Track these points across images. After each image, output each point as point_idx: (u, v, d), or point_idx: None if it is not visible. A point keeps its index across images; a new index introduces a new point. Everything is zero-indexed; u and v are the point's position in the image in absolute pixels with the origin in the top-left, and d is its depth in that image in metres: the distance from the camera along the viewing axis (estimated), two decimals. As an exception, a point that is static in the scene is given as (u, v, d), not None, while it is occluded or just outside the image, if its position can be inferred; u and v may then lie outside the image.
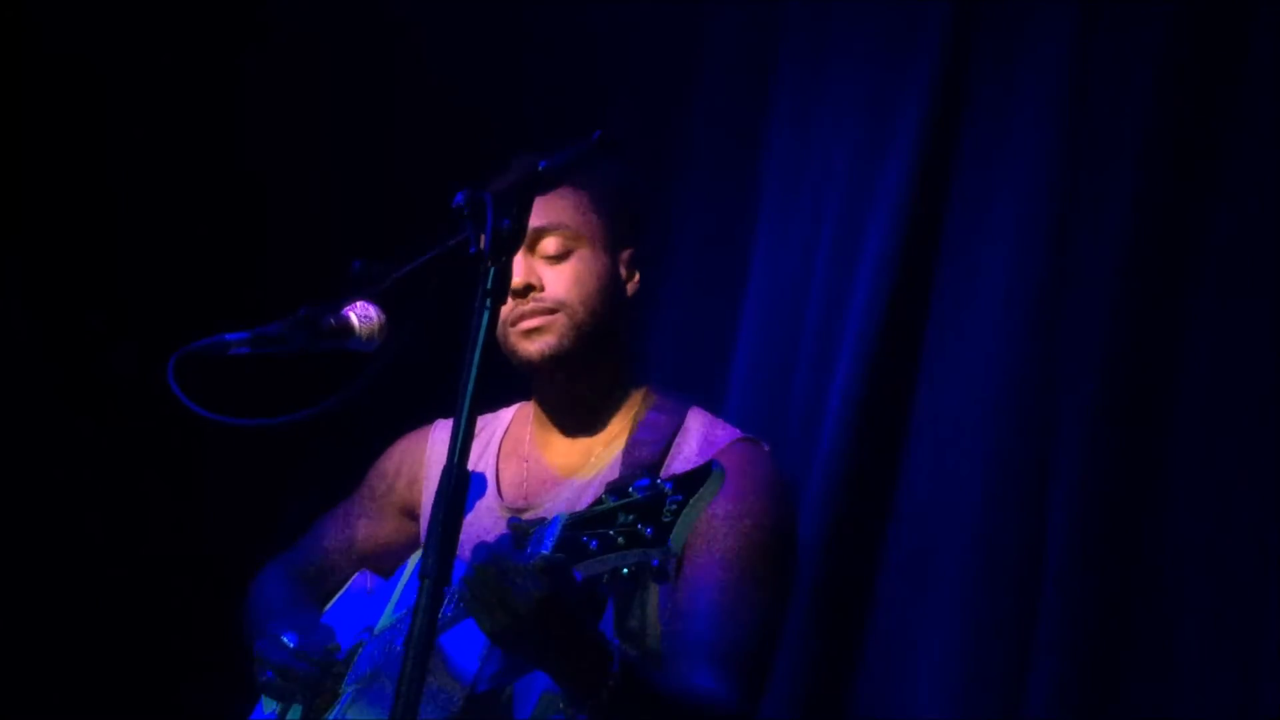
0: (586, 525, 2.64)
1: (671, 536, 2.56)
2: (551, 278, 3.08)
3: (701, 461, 2.92)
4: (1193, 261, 3.80)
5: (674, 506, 2.58)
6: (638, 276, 3.17)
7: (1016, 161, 4.00)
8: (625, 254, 3.15)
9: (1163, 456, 3.79)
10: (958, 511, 3.98)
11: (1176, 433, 3.79)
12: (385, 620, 3.15)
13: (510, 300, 3.05)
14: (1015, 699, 3.85)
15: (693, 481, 2.60)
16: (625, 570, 2.61)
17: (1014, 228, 3.99)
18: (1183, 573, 3.74)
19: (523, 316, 3.07)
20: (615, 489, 2.65)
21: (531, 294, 3.07)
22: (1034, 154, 3.97)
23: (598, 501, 2.65)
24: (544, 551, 2.64)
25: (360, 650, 3.12)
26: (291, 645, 3.12)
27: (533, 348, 3.06)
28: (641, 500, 2.61)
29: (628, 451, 3.07)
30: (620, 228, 3.15)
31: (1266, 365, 3.70)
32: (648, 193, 3.23)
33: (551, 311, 3.07)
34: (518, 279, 3.04)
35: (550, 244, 3.09)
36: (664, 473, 3.00)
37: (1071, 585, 3.80)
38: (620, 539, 2.59)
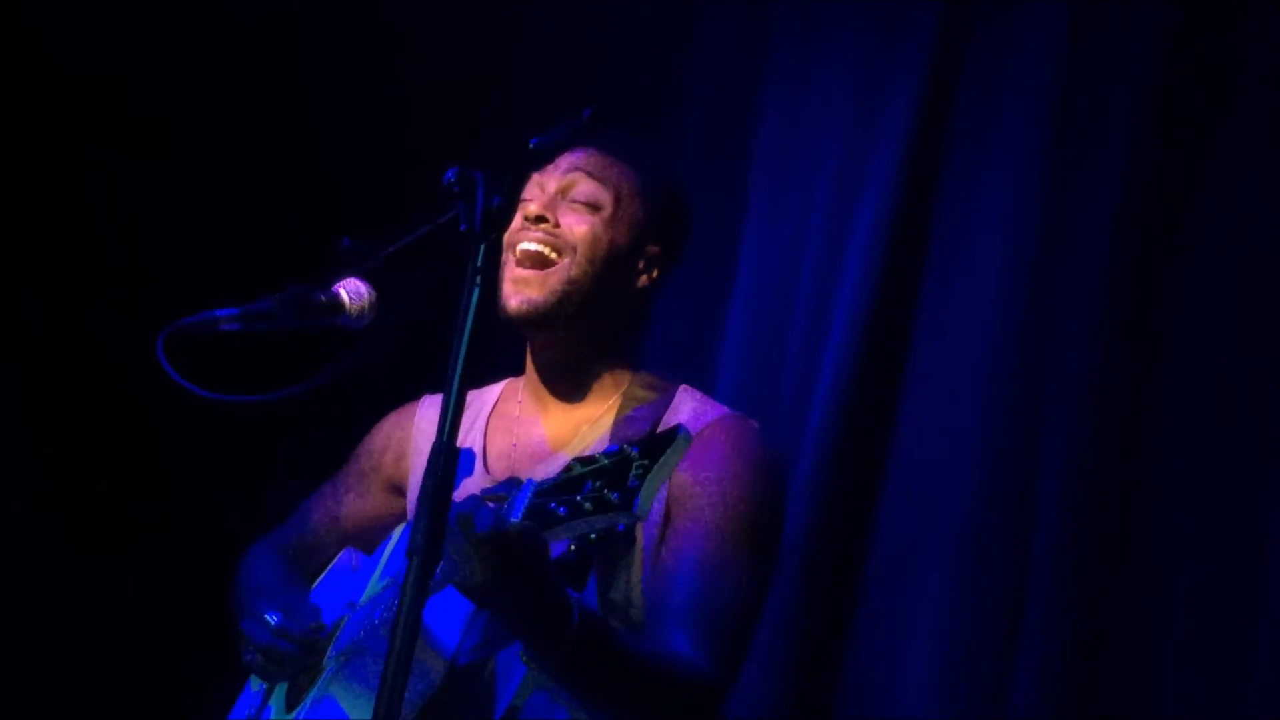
0: (555, 492, 2.62)
1: (637, 501, 2.54)
2: (571, 220, 3.08)
3: (693, 431, 2.94)
4: (1184, 243, 3.80)
5: (639, 471, 2.56)
6: (655, 274, 3.15)
7: (1008, 142, 4.01)
8: (650, 249, 3.14)
9: (1152, 443, 3.80)
10: (947, 496, 3.99)
11: (1166, 420, 3.80)
12: (368, 595, 3.15)
13: (520, 221, 3.06)
14: (1003, 683, 3.86)
15: (658, 445, 2.58)
16: (593, 536, 2.60)
17: (1005, 210, 4.00)
18: (1171, 559, 3.75)
19: (527, 240, 3.05)
20: (584, 457, 2.65)
21: (544, 224, 3.06)
22: (1025, 135, 3.98)
23: (567, 468, 2.64)
24: (514, 519, 2.63)
25: (342, 625, 3.12)
26: (275, 624, 3.12)
27: (513, 301, 3.05)
28: (608, 465, 2.59)
29: (616, 428, 3.07)
30: (654, 221, 3.14)
31: (1258, 348, 3.70)
32: (689, 202, 3.22)
33: (555, 250, 3.06)
34: (535, 207, 3.06)
35: (582, 191, 3.09)
36: None
37: (1060, 570, 3.81)
38: (587, 505, 2.58)
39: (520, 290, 3.06)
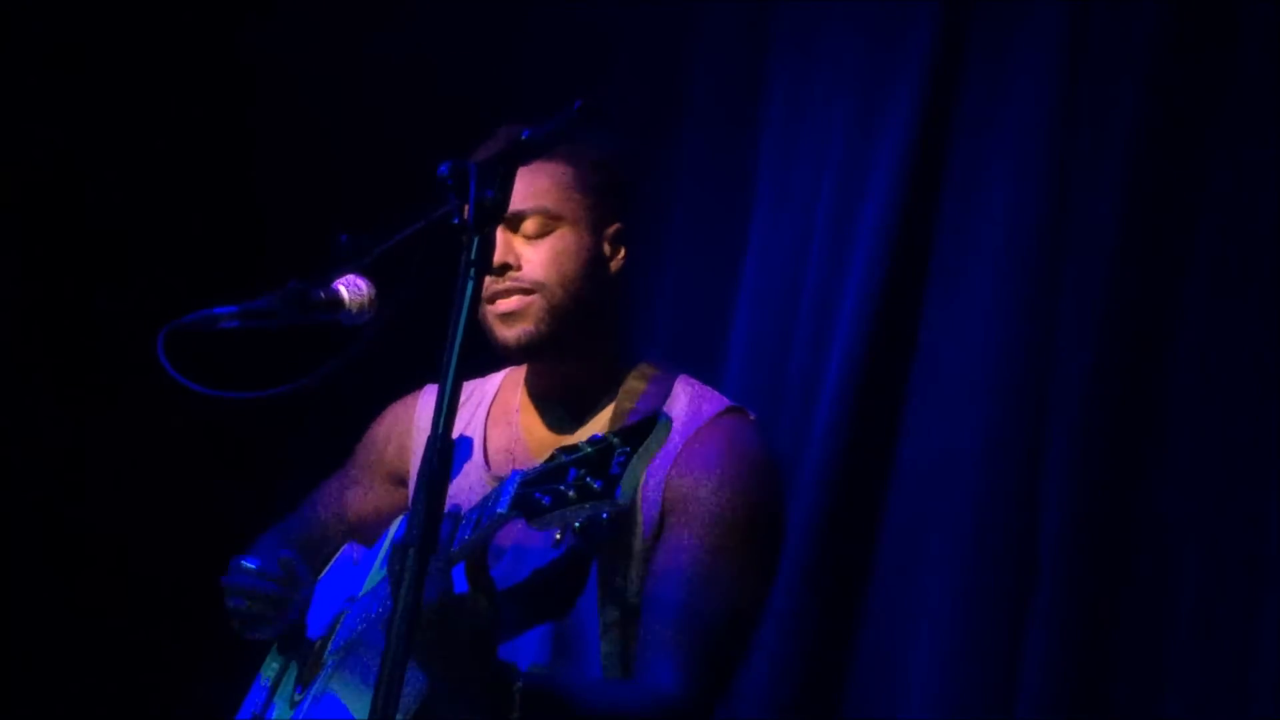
0: (539, 481, 2.63)
1: (619, 488, 2.55)
2: (530, 256, 3.05)
3: (689, 432, 2.97)
4: (1188, 236, 3.79)
5: (621, 458, 2.57)
6: (624, 252, 3.12)
7: (1012, 135, 4.00)
8: (610, 230, 3.11)
9: (1158, 432, 3.79)
10: (953, 486, 3.98)
11: (1172, 408, 3.78)
12: (367, 588, 3.15)
13: (488, 276, 3.05)
14: (1009, 673, 3.85)
15: (639, 433, 2.58)
16: (578, 525, 2.60)
17: (1009, 203, 3.99)
18: (1177, 547, 3.74)
19: (498, 295, 3.05)
20: (568, 446, 2.65)
21: (509, 273, 3.05)
22: (1029, 127, 3.96)
23: (551, 457, 2.65)
24: (501, 510, 2.65)
25: (342, 619, 3.13)
26: (254, 568, 3.15)
27: (510, 334, 3.05)
28: (591, 454, 2.60)
29: (614, 422, 3.06)
30: (605, 203, 3.11)
31: (1262, 341, 3.69)
32: (634, 165, 3.19)
33: (527, 292, 3.05)
34: (496, 256, 3.01)
35: (530, 225, 3.07)
36: None
37: (1065, 560, 3.80)
38: (571, 493, 2.58)
39: (514, 324, 3.05)
